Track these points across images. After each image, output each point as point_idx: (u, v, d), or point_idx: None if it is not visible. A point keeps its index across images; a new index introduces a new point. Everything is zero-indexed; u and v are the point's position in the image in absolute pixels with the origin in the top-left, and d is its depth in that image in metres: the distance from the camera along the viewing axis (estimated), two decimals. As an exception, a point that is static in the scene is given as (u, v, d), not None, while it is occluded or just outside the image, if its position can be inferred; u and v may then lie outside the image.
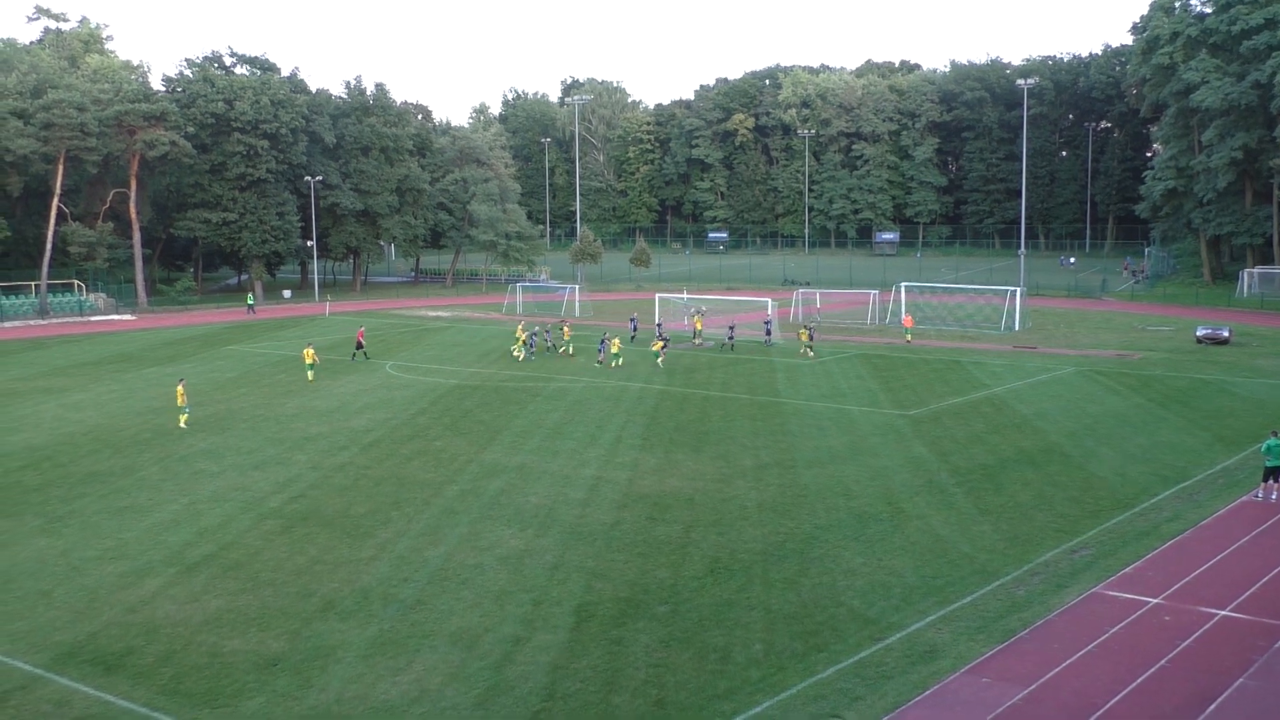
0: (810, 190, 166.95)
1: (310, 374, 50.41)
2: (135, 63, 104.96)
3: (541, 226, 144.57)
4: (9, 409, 43.69)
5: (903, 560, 24.22)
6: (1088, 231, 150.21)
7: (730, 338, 60.75)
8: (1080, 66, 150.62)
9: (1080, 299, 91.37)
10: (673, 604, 21.74)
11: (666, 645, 19.80)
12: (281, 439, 37.40)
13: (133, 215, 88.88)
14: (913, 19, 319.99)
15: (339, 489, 30.68)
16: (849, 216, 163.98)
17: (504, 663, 19.15)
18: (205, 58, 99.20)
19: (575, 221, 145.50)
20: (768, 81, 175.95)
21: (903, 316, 67.77)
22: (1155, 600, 21.81)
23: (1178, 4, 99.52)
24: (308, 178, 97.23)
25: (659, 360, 53.55)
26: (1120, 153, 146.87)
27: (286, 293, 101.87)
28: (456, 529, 26.71)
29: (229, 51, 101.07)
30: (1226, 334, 60.80)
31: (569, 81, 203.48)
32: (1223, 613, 21.18)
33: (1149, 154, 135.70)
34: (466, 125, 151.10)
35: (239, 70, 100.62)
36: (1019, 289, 72.98)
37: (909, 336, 64.20)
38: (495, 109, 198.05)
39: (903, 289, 74.03)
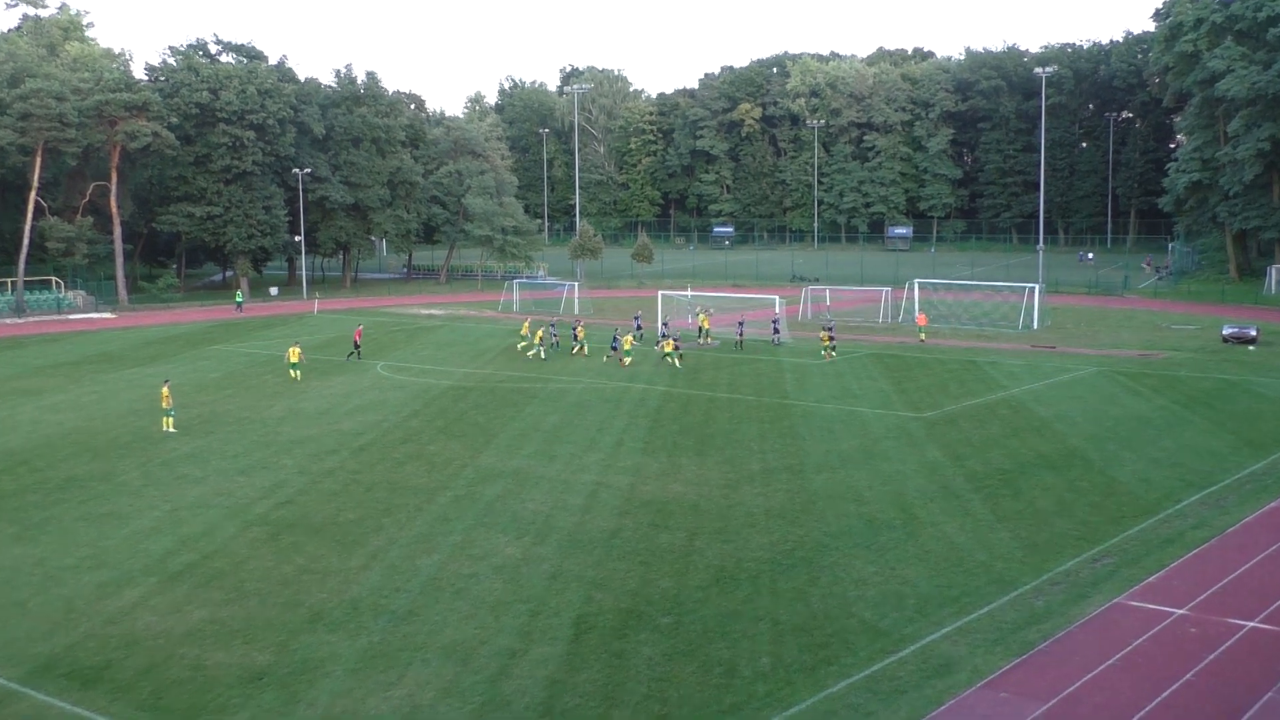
0: (819, 183, 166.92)
1: (294, 373, 50.53)
2: (117, 51, 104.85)
3: (539, 221, 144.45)
4: (-16, 411, 43.65)
5: (916, 569, 24.17)
6: (1109, 226, 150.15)
7: (740, 334, 60.50)
8: (1100, 54, 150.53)
9: (1101, 296, 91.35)
10: (676, 615, 21.69)
11: (670, 658, 19.74)
12: (268, 443, 37.36)
13: (113, 209, 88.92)
14: (926, 4, 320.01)
15: (328, 495, 30.65)
16: (860, 210, 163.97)
17: (500, 677, 19.09)
18: (190, 45, 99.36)
19: (574, 216, 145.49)
20: (775, 70, 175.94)
21: (916, 315, 67.67)
22: (1180, 611, 21.74)
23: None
24: (296, 170, 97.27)
25: (677, 361, 53.31)
26: (1142, 144, 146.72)
27: (274, 290, 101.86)
28: (450, 537, 26.67)
29: (214, 39, 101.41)
30: (1254, 333, 60.68)
31: (568, 70, 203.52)
32: (1251, 624, 21.10)
33: (1172, 145, 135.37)
34: (461, 116, 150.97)
35: (224, 58, 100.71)
36: (1037, 286, 72.90)
37: (922, 336, 64.13)
38: (491, 98, 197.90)
39: (916, 286, 73.94)
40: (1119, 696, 18.14)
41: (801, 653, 19.89)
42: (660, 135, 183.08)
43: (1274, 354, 56.75)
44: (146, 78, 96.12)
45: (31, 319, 79.76)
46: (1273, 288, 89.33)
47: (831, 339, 57.39)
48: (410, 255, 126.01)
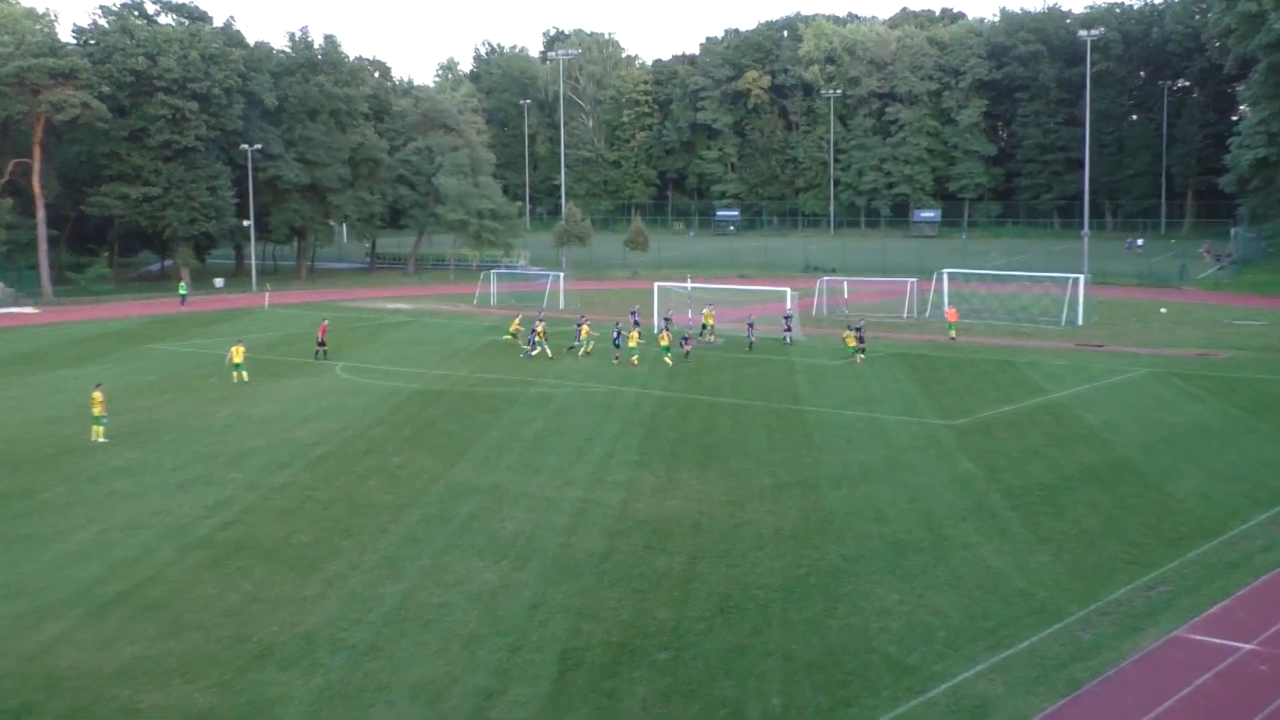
0: (836, 161, 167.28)
1: (240, 374, 50.70)
2: (40, 10, 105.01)
3: (520, 203, 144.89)
4: (-111, 419, 43.53)
5: (947, 598, 24.14)
6: (1163, 209, 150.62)
7: (751, 337, 60.29)
8: (1153, 15, 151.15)
9: (1154, 288, 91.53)
10: (675, 650, 21.65)
11: (667, 698, 19.68)
12: (212, 454, 37.30)
13: (36, 190, 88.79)
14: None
15: (280, 513, 30.59)
16: (881, 191, 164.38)
17: (474, 720, 18.99)
18: (123, 4, 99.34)
19: (560, 198, 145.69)
20: (786, 33, 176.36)
21: (945, 309, 67.84)
22: (1248, 646, 21.70)
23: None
24: (244, 146, 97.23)
25: (684, 357, 54.83)
26: (1201, 116, 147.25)
27: (219, 281, 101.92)
28: (419, 561, 26.61)
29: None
30: (1327, 329, 60.87)
31: (552, 33, 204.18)
32: (1327, 660, 21.08)
33: (1235, 118, 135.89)
34: (432, 85, 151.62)
35: (163, 20, 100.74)
36: (1082, 276, 73.10)
37: (953, 332, 64.28)
38: (465, 66, 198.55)
39: (945, 276, 74.02)
40: (1178, 742, 18.10)
41: (816, 692, 19.82)
42: (656, 107, 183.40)
43: (1349, 353, 56.90)
44: (74, 40, 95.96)
45: (-56, 314, 79.67)
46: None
47: (860, 340, 55.85)
48: (374, 242, 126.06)
